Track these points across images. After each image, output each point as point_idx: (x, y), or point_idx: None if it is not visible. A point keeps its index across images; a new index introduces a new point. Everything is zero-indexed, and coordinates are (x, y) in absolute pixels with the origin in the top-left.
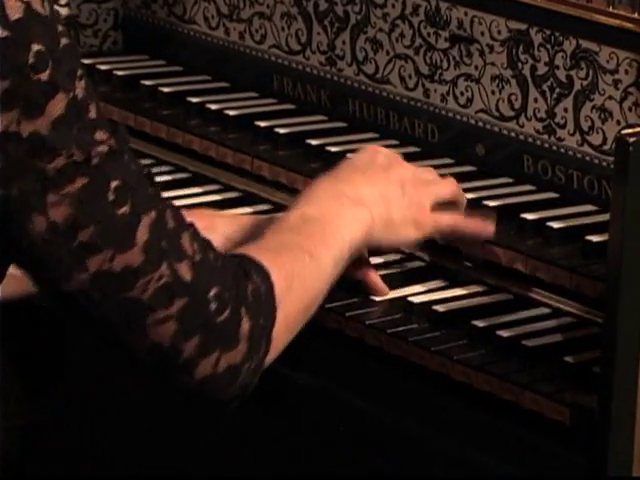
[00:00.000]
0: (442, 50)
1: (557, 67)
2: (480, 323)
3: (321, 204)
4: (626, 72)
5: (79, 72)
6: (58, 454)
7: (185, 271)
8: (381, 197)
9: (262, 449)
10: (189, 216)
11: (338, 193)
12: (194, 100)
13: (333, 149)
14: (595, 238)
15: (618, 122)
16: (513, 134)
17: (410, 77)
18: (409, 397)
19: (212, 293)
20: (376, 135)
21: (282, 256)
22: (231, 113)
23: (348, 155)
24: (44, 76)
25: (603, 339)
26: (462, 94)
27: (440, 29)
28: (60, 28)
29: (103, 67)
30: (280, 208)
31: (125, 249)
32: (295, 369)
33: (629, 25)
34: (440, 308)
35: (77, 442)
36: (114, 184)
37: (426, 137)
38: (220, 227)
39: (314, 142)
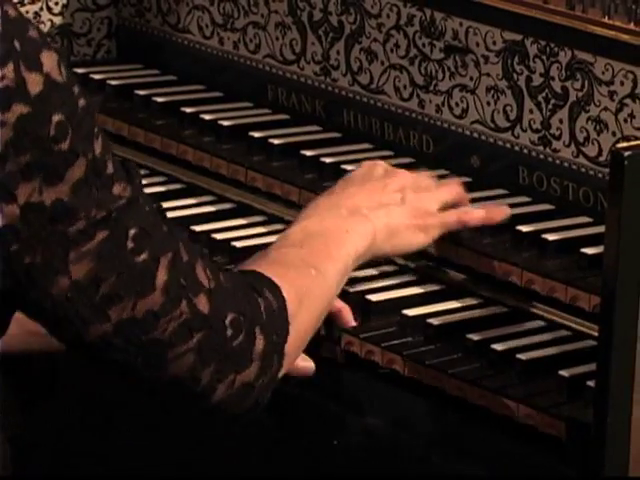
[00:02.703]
0: (437, 61)
1: (552, 78)
2: (475, 336)
3: (321, 218)
4: (621, 83)
5: (96, 130)
6: (49, 466)
7: (203, 304)
8: (380, 206)
9: (257, 456)
10: None
11: (336, 206)
12: (188, 110)
13: (327, 160)
14: (590, 250)
15: (614, 133)
16: (508, 145)
17: (405, 88)
18: (403, 411)
19: (228, 320)
20: (371, 146)
21: (290, 271)
22: (225, 123)
23: (343, 166)
24: (64, 145)
25: (598, 353)
26: (457, 105)
27: (435, 40)
28: (77, 90)
29: (97, 76)
30: (275, 219)
31: (146, 294)
32: (287, 381)
33: (624, 36)
34: (434, 321)
35: (69, 454)
36: (132, 232)
37: (421, 148)
38: None
39: (308, 153)
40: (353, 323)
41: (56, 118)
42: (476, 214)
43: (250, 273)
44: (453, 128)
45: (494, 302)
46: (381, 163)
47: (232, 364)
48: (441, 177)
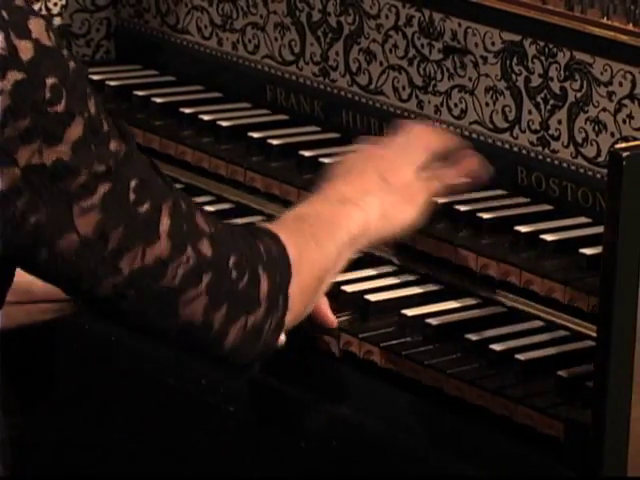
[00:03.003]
0: (436, 61)
1: (551, 79)
2: (473, 337)
3: (313, 205)
4: (620, 84)
5: (88, 90)
6: (48, 467)
7: (207, 248)
8: (366, 192)
9: (254, 458)
10: None
11: (324, 196)
12: (187, 111)
13: (326, 160)
14: (589, 251)
15: (612, 134)
16: (507, 146)
17: (404, 88)
18: (402, 411)
19: (232, 262)
20: None
21: (288, 228)
22: (224, 124)
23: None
24: (60, 107)
25: (597, 353)
26: (456, 105)
27: (434, 40)
28: (66, 53)
29: (96, 77)
30: (273, 219)
31: (153, 242)
32: (287, 382)
33: (623, 37)
34: (433, 321)
35: (68, 454)
36: (133, 184)
37: None
38: None
39: (307, 153)
40: (335, 323)
41: (50, 81)
42: (449, 173)
43: (246, 226)
44: (452, 128)
45: (493, 302)
46: (357, 148)
47: (242, 306)
48: None
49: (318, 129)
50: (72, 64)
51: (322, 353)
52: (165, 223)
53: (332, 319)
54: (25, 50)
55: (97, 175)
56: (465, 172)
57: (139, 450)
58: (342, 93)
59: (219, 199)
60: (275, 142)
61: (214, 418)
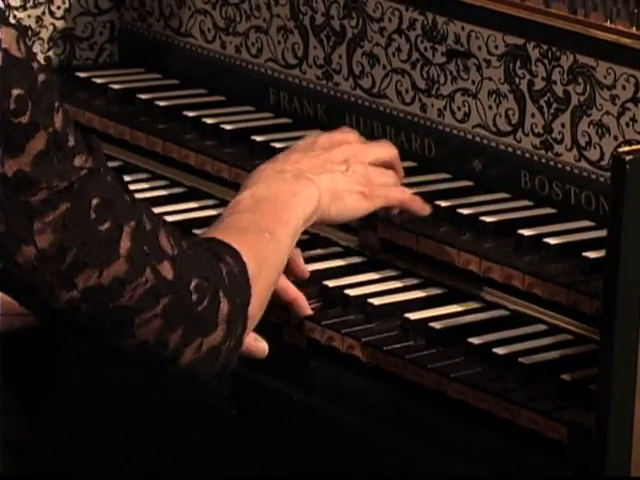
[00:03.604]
0: (439, 65)
1: (554, 82)
2: (476, 340)
3: (268, 184)
4: (623, 87)
5: (56, 104)
6: (49, 467)
7: (167, 270)
8: (324, 170)
9: (253, 460)
10: None
11: (281, 172)
12: (190, 114)
13: None
14: (592, 254)
15: (615, 138)
16: (510, 149)
17: (407, 92)
18: (405, 415)
19: (192, 285)
20: None
21: (247, 236)
22: (227, 127)
23: None
24: (24, 118)
25: (600, 357)
26: (459, 109)
27: (437, 44)
28: (36, 65)
29: (99, 80)
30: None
31: (111, 262)
32: (290, 385)
33: (626, 40)
34: (437, 325)
35: (71, 456)
36: (95, 202)
37: (423, 152)
38: None
39: None
40: (309, 312)
41: (15, 92)
42: (413, 200)
43: (210, 240)
44: (455, 132)
45: (496, 306)
46: (324, 135)
47: (198, 328)
48: (443, 181)
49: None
50: (42, 76)
51: (324, 355)
52: (125, 243)
53: (303, 269)
54: None
55: (59, 191)
56: (417, 206)
57: (135, 450)
58: (345, 96)
59: (222, 202)
60: (278, 145)
61: (218, 421)
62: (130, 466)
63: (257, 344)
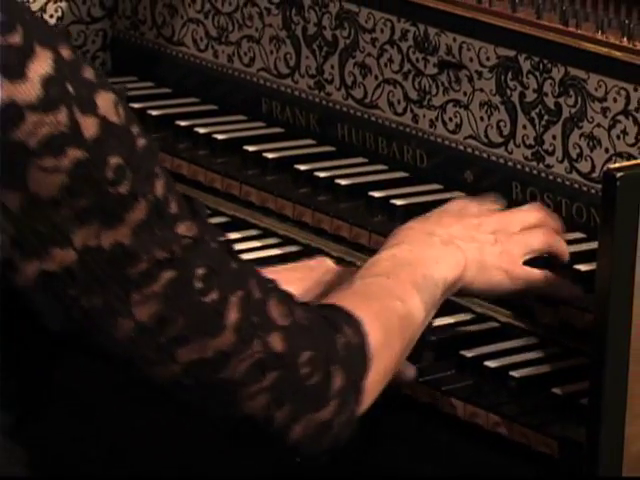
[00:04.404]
0: (431, 76)
1: (546, 94)
2: (468, 353)
3: (412, 246)
4: (614, 100)
5: (157, 170)
6: (49, 467)
7: (277, 342)
8: (473, 240)
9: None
10: None
11: (429, 234)
12: (183, 123)
13: (321, 174)
14: (583, 267)
15: (606, 150)
16: (502, 160)
17: (399, 102)
18: (396, 428)
19: (303, 358)
20: (365, 160)
21: (374, 304)
22: (220, 137)
23: (337, 181)
24: (123, 188)
25: (591, 371)
26: (451, 120)
27: (429, 55)
28: (135, 130)
29: None
30: (269, 233)
31: (216, 335)
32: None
33: (617, 53)
34: (428, 337)
35: (69, 455)
36: (199, 272)
37: (415, 162)
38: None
39: (302, 167)
40: (412, 375)
41: (113, 161)
42: (559, 286)
43: (329, 307)
44: (447, 143)
45: (487, 318)
46: (473, 202)
47: (308, 404)
48: (435, 192)
49: (313, 142)
50: (141, 142)
51: None
52: (232, 314)
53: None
54: (89, 127)
55: (160, 262)
56: (565, 293)
57: (136, 456)
58: (337, 106)
59: (215, 213)
60: (270, 156)
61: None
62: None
63: (404, 368)
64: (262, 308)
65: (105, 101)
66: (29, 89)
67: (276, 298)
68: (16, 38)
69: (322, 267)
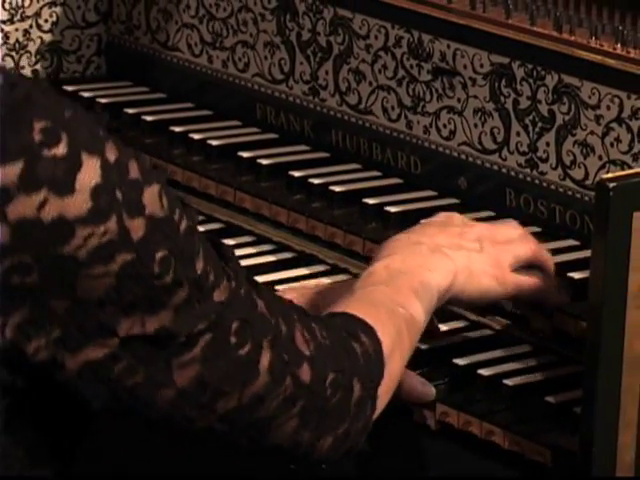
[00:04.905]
0: (425, 82)
1: (539, 101)
2: (461, 361)
3: (403, 256)
4: (608, 108)
5: (197, 246)
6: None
7: (305, 373)
8: (460, 247)
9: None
10: None
11: (416, 243)
12: (177, 129)
13: (316, 181)
14: (577, 275)
15: (600, 157)
16: (495, 167)
17: (393, 108)
18: (389, 435)
19: (329, 380)
20: (359, 166)
21: (381, 311)
22: (214, 143)
23: (331, 187)
24: (168, 278)
25: (584, 380)
26: (445, 126)
27: (423, 61)
28: (177, 216)
29: (86, 94)
30: (263, 240)
31: (251, 382)
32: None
33: (611, 61)
34: (422, 346)
35: None
36: (234, 327)
37: (409, 169)
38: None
39: (297, 174)
40: (432, 396)
41: (159, 255)
42: (548, 290)
43: (342, 316)
44: (441, 149)
45: (481, 325)
46: (458, 215)
47: (332, 421)
48: (429, 198)
49: (308, 148)
50: (183, 225)
51: None
52: (266, 359)
53: (427, 390)
54: (137, 229)
55: (199, 332)
56: (553, 297)
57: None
58: (332, 112)
59: (209, 219)
60: (265, 162)
61: None
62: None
63: (424, 388)
64: (290, 342)
65: (151, 197)
66: (79, 202)
67: (299, 324)
68: (61, 149)
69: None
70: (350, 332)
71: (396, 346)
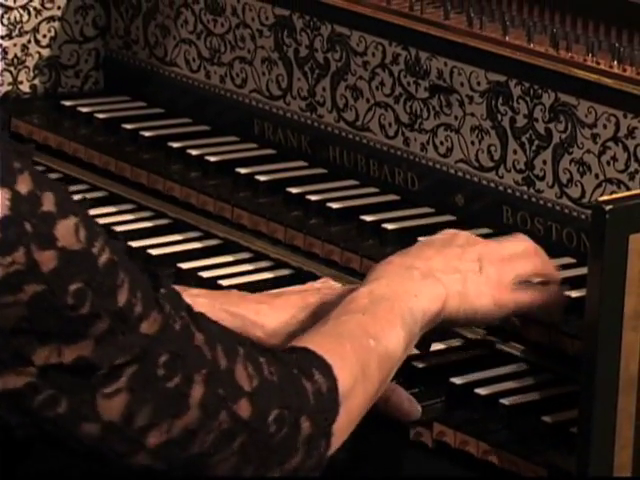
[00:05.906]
0: (422, 99)
1: (536, 120)
2: (458, 380)
3: (390, 280)
4: (604, 126)
5: (121, 279)
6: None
7: (244, 409)
8: (455, 271)
9: None
10: (218, 299)
11: (407, 267)
12: (175, 145)
13: (313, 197)
14: (574, 293)
15: (596, 176)
16: (492, 185)
17: (390, 125)
18: (384, 455)
19: (271, 417)
20: (356, 182)
21: (346, 345)
22: (212, 159)
23: (328, 204)
24: (84, 310)
25: (580, 399)
26: (442, 144)
27: (420, 79)
28: (97, 249)
29: (84, 109)
30: (261, 256)
31: (180, 416)
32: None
33: (607, 80)
34: (418, 364)
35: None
36: (162, 360)
37: (406, 185)
38: (265, 320)
39: (294, 190)
40: (417, 415)
41: (73, 287)
42: (545, 304)
43: (300, 351)
44: (438, 166)
45: (477, 344)
46: (464, 233)
47: (277, 457)
48: (426, 215)
49: (305, 164)
50: (103, 258)
51: None
52: (197, 392)
53: (413, 408)
54: (47, 261)
55: (124, 363)
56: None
57: None
58: (329, 129)
59: (207, 235)
60: (262, 178)
61: None
62: None
63: (411, 406)
64: (228, 377)
65: (65, 230)
66: None
67: (243, 357)
68: None
69: (327, 287)
70: (303, 369)
71: (358, 382)
